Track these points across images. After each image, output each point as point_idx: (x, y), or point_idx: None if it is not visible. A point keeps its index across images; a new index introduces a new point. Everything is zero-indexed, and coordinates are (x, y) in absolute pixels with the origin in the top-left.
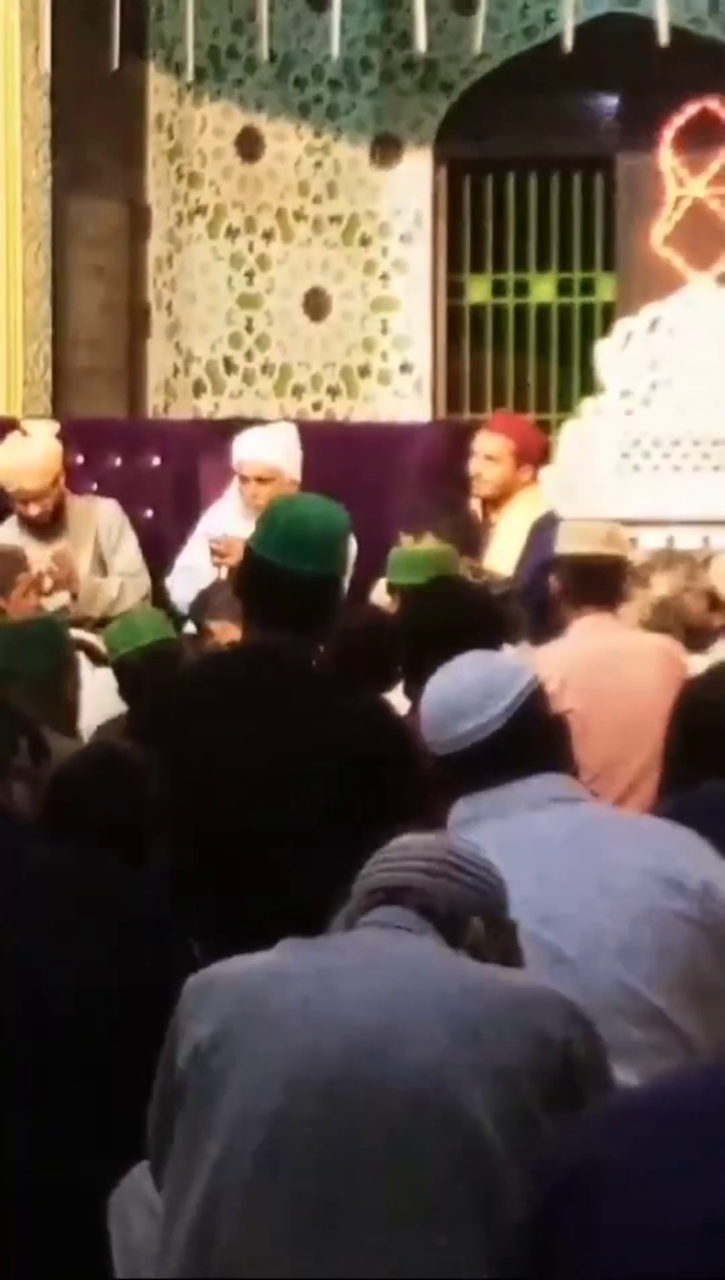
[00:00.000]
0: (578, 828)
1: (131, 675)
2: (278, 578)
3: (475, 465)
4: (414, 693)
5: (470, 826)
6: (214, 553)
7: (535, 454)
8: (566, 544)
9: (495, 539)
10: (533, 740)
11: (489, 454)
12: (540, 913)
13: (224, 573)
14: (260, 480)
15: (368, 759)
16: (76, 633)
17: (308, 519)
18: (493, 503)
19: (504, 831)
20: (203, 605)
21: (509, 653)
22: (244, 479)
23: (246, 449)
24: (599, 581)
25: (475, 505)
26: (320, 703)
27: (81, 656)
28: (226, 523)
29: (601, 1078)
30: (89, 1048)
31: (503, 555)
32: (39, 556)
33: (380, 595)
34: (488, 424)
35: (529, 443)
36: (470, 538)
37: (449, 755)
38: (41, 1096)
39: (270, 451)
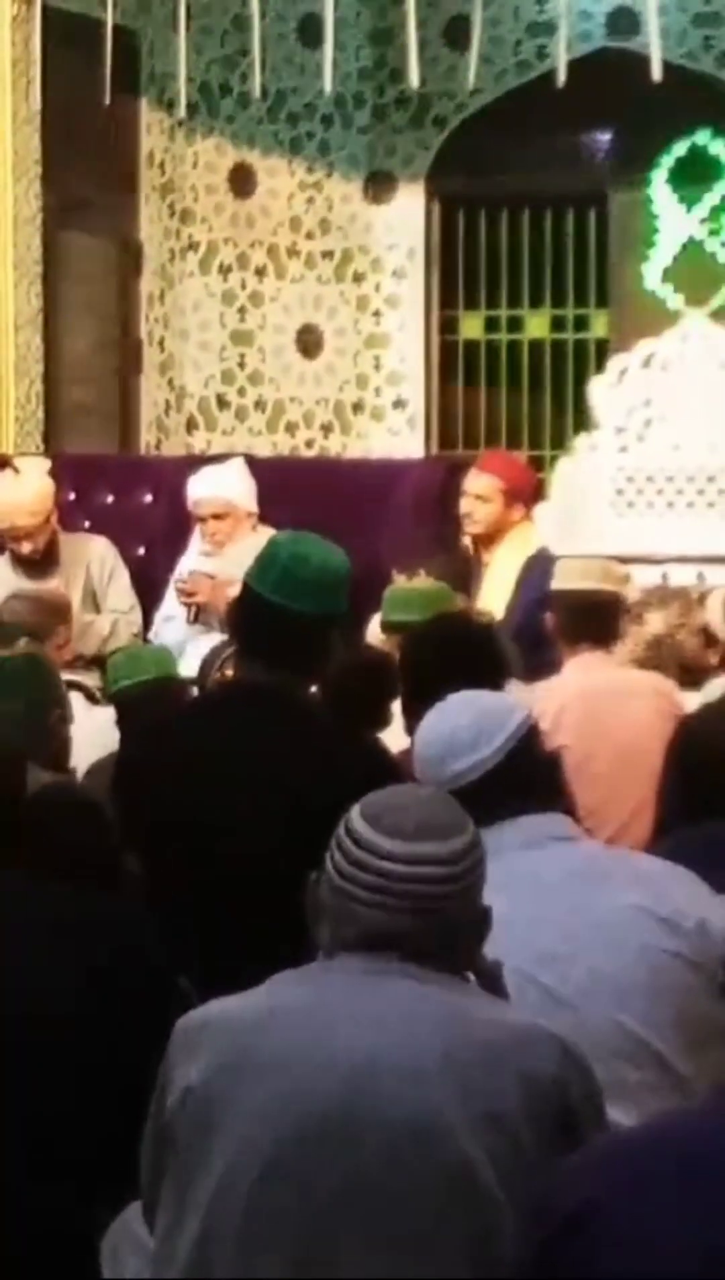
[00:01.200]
0: (573, 867)
1: (130, 709)
2: (274, 616)
3: (466, 505)
4: (414, 729)
5: None
6: (180, 592)
7: (526, 492)
8: (562, 580)
9: (487, 577)
10: (527, 779)
11: (479, 493)
12: (536, 952)
13: (192, 612)
14: (216, 517)
15: (355, 792)
16: (68, 674)
17: (308, 559)
18: (484, 541)
19: (499, 871)
20: (206, 671)
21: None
22: (201, 518)
23: (200, 489)
24: (594, 618)
25: (467, 542)
26: (311, 740)
27: (78, 696)
28: (191, 564)
29: (597, 1117)
30: (73, 1078)
31: (494, 593)
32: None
33: (374, 633)
34: (478, 463)
35: (519, 481)
36: (463, 575)
37: None
38: (23, 1127)
39: (222, 487)
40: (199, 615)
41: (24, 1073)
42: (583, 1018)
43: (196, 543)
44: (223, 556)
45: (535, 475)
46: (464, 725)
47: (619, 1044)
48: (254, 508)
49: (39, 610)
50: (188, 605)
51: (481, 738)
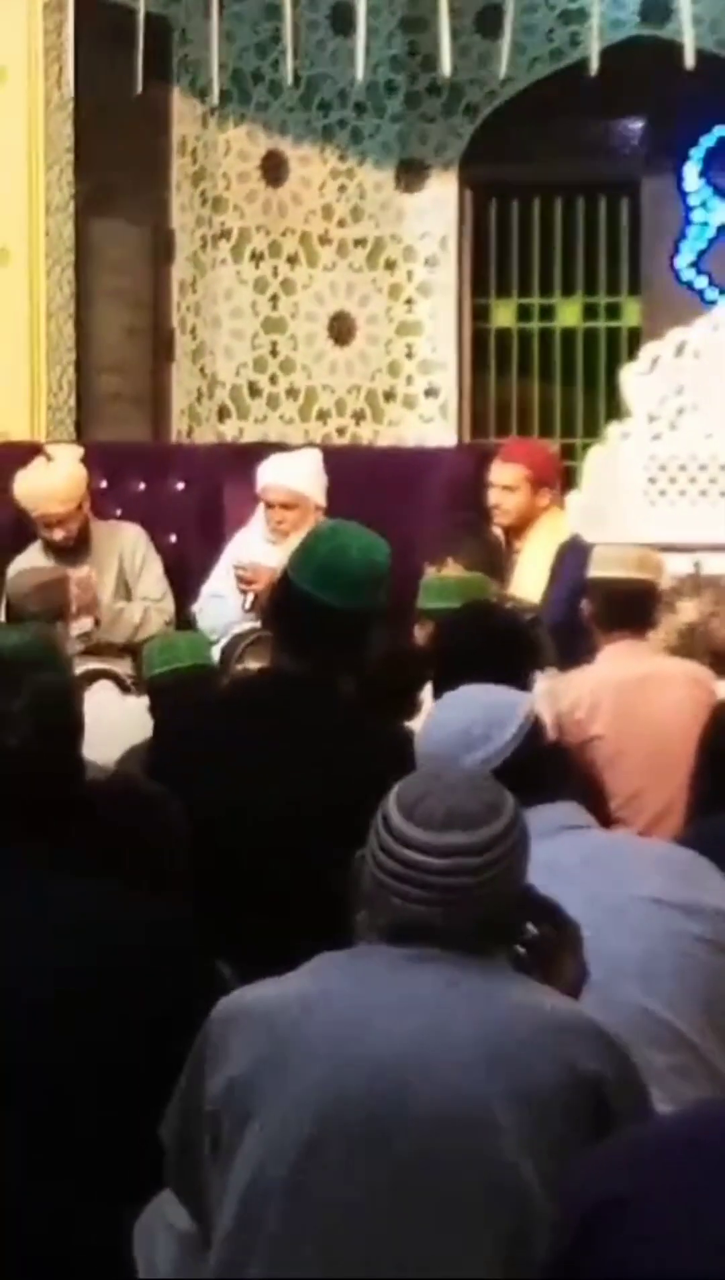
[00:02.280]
0: (589, 855)
1: (165, 696)
2: (311, 608)
3: (494, 496)
4: None
5: None
6: (240, 579)
7: (552, 477)
8: (599, 569)
9: (520, 565)
10: (536, 769)
11: (506, 484)
12: None
13: (250, 600)
14: (285, 506)
15: (387, 783)
16: (99, 662)
17: (348, 551)
18: (515, 530)
19: None
20: (227, 661)
21: (538, 679)
22: (269, 505)
23: (271, 474)
24: (630, 607)
25: (498, 531)
26: (341, 729)
27: (110, 684)
28: (251, 549)
29: (637, 1106)
30: (74, 1079)
31: (528, 581)
32: None
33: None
34: (501, 454)
35: (544, 468)
36: (494, 562)
37: None
38: (23, 1125)
39: (295, 477)
40: (256, 603)
41: (22, 1072)
42: (608, 1003)
43: (259, 525)
44: (283, 547)
45: (559, 459)
46: (475, 720)
47: (645, 1027)
48: (322, 501)
49: (50, 594)
50: (245, 593)
51: (493, 731)
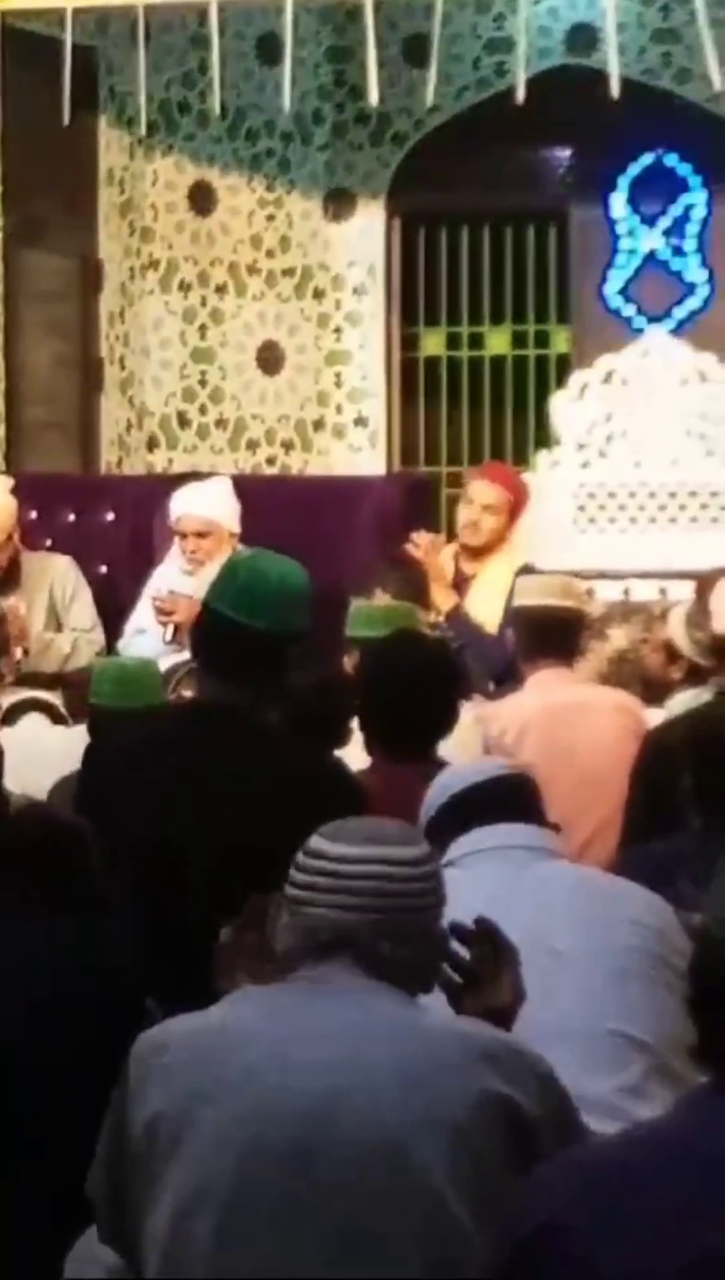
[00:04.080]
0: (576, 882)
1: (105, 726)
2: (233, 632)
3: (472, 513)
4: (373, 746)
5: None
6: (158, 610)
7: (522, 509)
8: (522, 597)
9: (474, 590)
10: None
11: (489, 504)
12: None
13: (170, 631)
14: (199, 535)
15: (320, 813)
16: (31, 692)
17: (267, 575)
18: (476, 553)
19: (474, 874)
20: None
21: (465, 707)
22: (182, 535)
23: (183, 504)
24: (555, 635)
25: (447, 556)
26: (270, 758)
27: (41, 716)
28: (169, 581)
29: (563, 1130)
30: (55, 1107)
31: (483, 606)
32: None
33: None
34: (483, 473)
35: (520, 497)
36: (418, 590)
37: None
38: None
39: (206, 505)
40: (176, 634)
41: (16, 1080)
42: (567, 1023)
43: (175, 557)
44: (200, 576)
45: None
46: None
47: (609, 1050)
48: (236, 528)
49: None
50: (165, 624)
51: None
